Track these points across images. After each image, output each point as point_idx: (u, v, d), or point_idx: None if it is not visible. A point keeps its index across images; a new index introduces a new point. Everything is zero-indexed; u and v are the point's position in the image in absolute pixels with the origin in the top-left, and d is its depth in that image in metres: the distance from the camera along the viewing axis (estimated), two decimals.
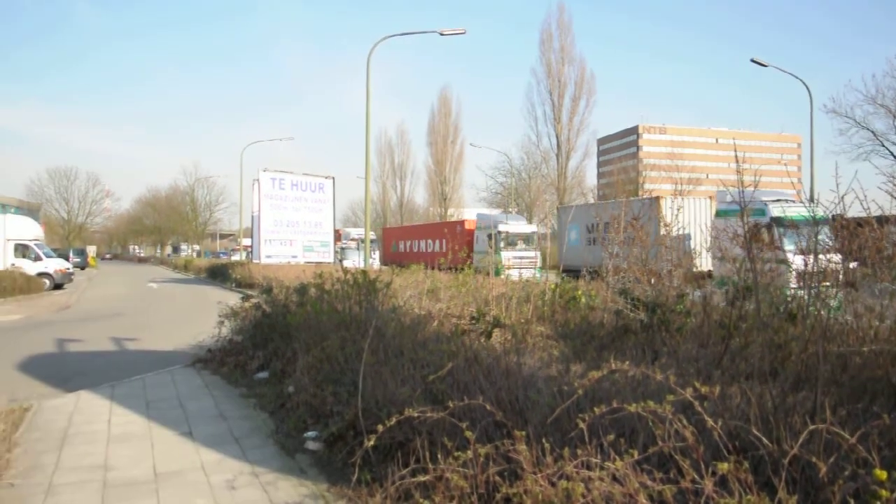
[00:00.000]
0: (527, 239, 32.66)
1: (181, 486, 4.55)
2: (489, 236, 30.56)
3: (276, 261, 28.93)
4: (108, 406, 6.87)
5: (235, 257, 51.70)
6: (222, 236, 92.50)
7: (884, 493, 2.25)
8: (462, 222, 38.87)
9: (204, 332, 10.16)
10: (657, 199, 24.77)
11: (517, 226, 33.20)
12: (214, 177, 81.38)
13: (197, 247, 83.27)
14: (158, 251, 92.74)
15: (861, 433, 2.55)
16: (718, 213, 22.43)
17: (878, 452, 2.48)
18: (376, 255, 44.66)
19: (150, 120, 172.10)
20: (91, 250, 65.04)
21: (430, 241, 40.78)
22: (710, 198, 24.91)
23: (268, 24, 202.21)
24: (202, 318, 13.31)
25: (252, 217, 32.15)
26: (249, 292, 21.59)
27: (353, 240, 47.09)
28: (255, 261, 30.53)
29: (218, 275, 35.91)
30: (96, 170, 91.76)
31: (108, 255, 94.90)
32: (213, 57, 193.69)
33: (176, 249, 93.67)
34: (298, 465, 4.95)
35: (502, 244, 30.85)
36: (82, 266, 51.18)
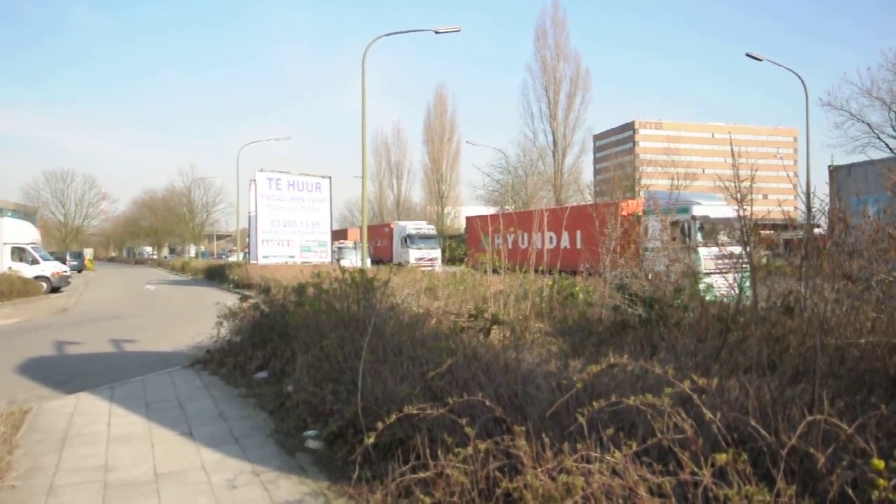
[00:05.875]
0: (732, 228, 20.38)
1: (182, 486, 4.55)
2: (675, 224, 18.83)
3: (274, 261, 28.89)
4: (107, 407, 6.87)
5: (233, 258, 51.52)
6: (219, 237, 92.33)
7: (881, 481, 2.27)
8: (614, 205, 24.67)
9: (202, 332, 10.15)
10: None
11: (719, 208, 19.62)
12: (211, 177, 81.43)
13: (194, 247, 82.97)
14: (155, 253, 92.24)
15: (858, 424, 2.57)
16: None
17: (875, 442, 2.50)
18: (436, 253, 37.91)
19: (147, 121, 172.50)
20: (88, 253, 64.82)
21: (552, 234, 27.77)
22: None
23: (263, 24, 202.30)
24: (200, 319, 13.31)
25: (249, 217, 32.13)
26: (247, 293, 21.60)
27: (413, 234, 39.29)
28: (252, 261, 30.49)
29: (215, 276, 35.89)
30: (92, 172, 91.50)
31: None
32: (208, 58, 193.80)
33: (173, 251, 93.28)
34: (299, 464, 4.95)
35: (699, 237, 19.01)
36: (79, 269, 51.09)
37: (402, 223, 43.74)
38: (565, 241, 26.62)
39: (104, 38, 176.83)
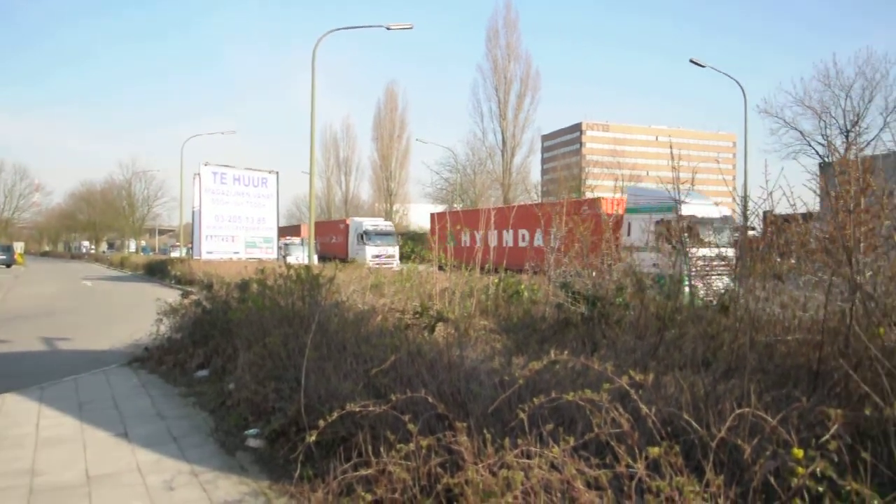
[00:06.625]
0: (717, 229, 15.80)
1: (115, 489, 4.41)
2: (660, 223, 13.47)
3: (218, 257, 28.33)
4: (36, 408, 6.59)
5: (175, 254, 50.17)
6: (161, 232, 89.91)
7: (800, 469, 2.38)
8: (592, 202, 24.46)
9: (141, 330, 9.86)
10: None
11: (706, 208, 16.63)
12: (153, 171, 79.01)
13: (134, 242, 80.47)
14: (92, 248, 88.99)
15: (782, 416, 2.69)
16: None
17: (797, 433, 2.62)
18: (394, 250, 36.17)
19: (88, 113, 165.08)
20: (18, 247, 62.01)
21: (524, 231, 27.06)
22: None
23: (211, 18, 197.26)
24: (140, 316, 12.90)
25: (193, 212, 31.40)
26: (189, 289, 21.07)
27: (369, 231, 37.60)
28: (195, 257, 29.83)
29: (156, 272, 34.84)
30: (25, 162, 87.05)
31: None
32: (156, 49, 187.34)
33: (112, 246, 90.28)
34: (239, 463, 4.87)
35: (685, 236, 12.78)
36: (8, 263, 48.91)
37: (357, 219, 42.17)
38: (538, 239, 24.20)
39: (43, 23, 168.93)
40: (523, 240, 27.15)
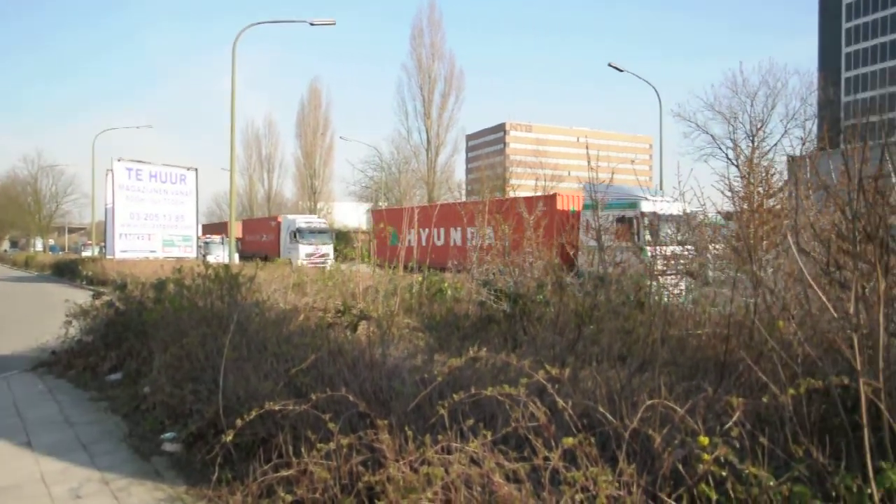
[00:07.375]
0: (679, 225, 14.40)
1: (16, 501, 4.16)
2: (622, 220, 16.45)
3: (133, 256, 27.15)
4: None
5: (87, 252, 47.75)
6: (72, 230, 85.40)
7: (706, 456, 2.51)
8: (550, 198, 23.51)
9: (48, 333, 9.30)
10: None
11: (665, 205, 15.73)
12: (62, 166, 74.68)
13: (40, 241, 76.00)
14: None
15: (689, 406, 2.83)
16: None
17: (703, 422, 2.76)
18: (328, 248, 34.80)
19: None
20: None
21: (448, 229, 26.67)
22: None
23: (129, 7, 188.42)
24: (46, 318, 12.18)
25: (105, 209, 30.00)
26: (102, 289, 20.08)
27: (303, 228, 35.94)
28: (109, 256, 28.51)
29: (66, 272, 33.05)
30: None
31: None
32: (65, 38, 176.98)
33: (15, 245, 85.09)
34: (154, 469, 4.69)
35: (646, 234, 16.74)
36: None
37: (290, 216, 40.21)
38: (461, 238, 25.20)
39: None
40: (447, 238, 27.02)
